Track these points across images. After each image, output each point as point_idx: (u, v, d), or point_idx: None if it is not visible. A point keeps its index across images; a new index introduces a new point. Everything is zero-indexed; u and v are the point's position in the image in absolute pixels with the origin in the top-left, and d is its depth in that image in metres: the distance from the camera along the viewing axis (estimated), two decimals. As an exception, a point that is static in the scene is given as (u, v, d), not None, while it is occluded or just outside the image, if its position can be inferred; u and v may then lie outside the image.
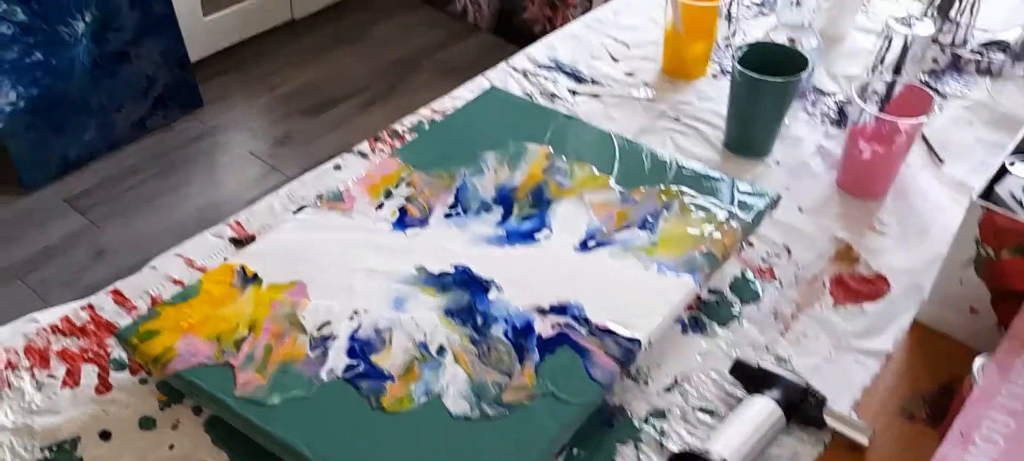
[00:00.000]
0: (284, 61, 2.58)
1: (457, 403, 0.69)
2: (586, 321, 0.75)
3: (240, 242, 0.89)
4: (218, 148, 2.28)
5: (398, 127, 1.05)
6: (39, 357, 0.76)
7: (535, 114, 1.00)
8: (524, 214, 0.86)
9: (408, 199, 0.87)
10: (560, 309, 0.76)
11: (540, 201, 0.88)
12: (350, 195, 0.88)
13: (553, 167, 0.92)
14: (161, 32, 2.18)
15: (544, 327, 0.74)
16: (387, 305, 0.76)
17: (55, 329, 0.78)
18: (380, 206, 0.87)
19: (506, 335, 0.74)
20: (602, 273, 0.80)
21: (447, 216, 0.86)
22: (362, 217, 0.85)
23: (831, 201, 0.97)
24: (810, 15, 1.05)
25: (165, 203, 2.09)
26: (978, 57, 1.18)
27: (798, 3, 1.05)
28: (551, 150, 0.94)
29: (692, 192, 0.89)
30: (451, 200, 0.88)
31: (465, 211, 0.86)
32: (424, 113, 1.07)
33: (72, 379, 0.74)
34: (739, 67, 0.96)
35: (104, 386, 0.74)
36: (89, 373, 0.75)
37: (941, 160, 1.02)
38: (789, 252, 0.90)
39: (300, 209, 0.92)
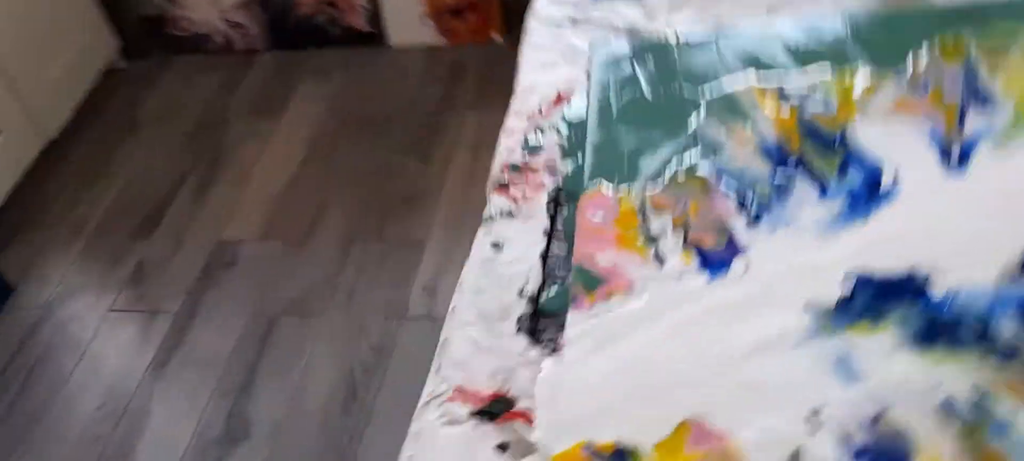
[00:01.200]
0: (74, 190, 2.11)
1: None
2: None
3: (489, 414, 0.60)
4: (68, 328, 1.81)
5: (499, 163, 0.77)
6: None
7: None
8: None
9: (676, 225, 0.62)
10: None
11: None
12: (611, 270, 0.60)
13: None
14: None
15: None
16: (833, 379, 0.51)
17: None
18: (659, 258, 0.60)
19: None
20: None
21: (757, 218, 0.61)
22: (657, 285, 0.59)
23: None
24: None
25: (48, 424, 1.62)
26: None
27: None
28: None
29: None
30: (730, 200, 0.63)
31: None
32: (515, 126, 0.80)
33: None
34: None
35: None
36: None
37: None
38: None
39: (546, 333, 0.64)
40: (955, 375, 0.52)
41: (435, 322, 1.56)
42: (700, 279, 0.61)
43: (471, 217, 1.75)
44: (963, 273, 0.57)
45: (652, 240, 0.65)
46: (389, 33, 2.39)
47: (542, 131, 0.82)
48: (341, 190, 1.94)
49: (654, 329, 0.59)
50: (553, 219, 0.75)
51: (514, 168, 0.80)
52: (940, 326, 0.54)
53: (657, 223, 0.66)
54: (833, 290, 0.58)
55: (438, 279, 1.68)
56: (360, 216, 1.87)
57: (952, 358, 0.53)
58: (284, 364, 1.60)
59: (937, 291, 0.56)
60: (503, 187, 0.79)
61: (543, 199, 0.77)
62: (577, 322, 0.61)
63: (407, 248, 1.75)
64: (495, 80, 2.08)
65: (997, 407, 0.50)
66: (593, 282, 0.63)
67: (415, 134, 2.05)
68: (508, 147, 0.83)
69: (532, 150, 0.81)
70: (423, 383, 0.66)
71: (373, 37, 2.39)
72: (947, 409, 0.51)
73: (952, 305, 0.55)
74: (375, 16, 2.37)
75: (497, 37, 2.23)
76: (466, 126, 2.00)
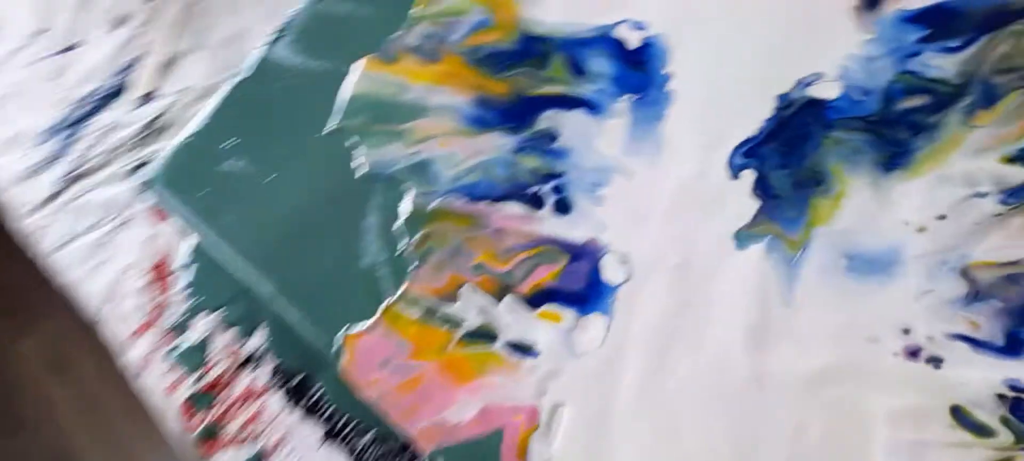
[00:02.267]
0: None
1: None
2: None
3: None
4: None
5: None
6: None
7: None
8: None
9: (490, 290, 0.43)
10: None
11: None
12: (484, 415, 0.41)
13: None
14: None
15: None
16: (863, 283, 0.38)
17: None
18: (522, 349, 0.42)
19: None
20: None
21: (561, 200, 0.44)
22: (560, 381, 0.41)
23: None
24: None
25: None
26: None
27: None
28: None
29: None
30: (511, 207, 0.45)
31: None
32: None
33: None
34: None
35: None
36: None
37: None
38: None
39: None
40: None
41: None
42: (597, 324, 0.42)
43: (119, 430, 1.34)
44: (830, 62, 0.43)
45: (486, 337, 0.44)
46: None
47: (183, 328, 0.55)
48: None
49: (624, 428, 0.39)
50: (316, 410, 0.50)
51: (197, 399, 0.53)
52: (882, 127, 0.41)
53: (467, 310, 0.44)
54: (737, 197, 0.42)
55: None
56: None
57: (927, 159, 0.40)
58: None
59: (830, 94, 0.43)
60: (210, 438, 0.52)
61: (274, 401, 0.51)
62: None
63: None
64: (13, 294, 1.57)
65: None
66: (482, 452, 0.41)
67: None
68: (160, 384, 0.54)
69: (193, 358, 0.54)
70: None
71: None
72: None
73: (849, 101, 0.42)
74: None
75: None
76: (24, 359, 1.50)
